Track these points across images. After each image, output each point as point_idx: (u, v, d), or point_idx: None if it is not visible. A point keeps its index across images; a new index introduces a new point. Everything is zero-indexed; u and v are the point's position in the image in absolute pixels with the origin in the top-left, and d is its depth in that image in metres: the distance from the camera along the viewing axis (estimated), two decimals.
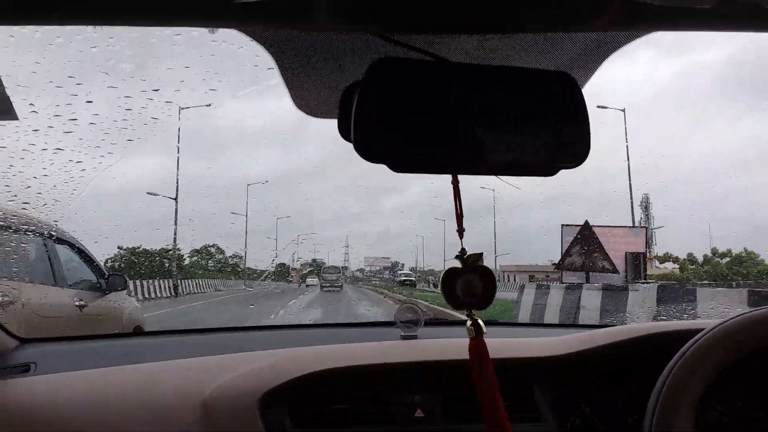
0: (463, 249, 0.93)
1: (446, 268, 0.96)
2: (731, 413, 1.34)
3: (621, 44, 0.96)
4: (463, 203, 0.94)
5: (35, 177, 1.87)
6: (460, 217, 0.94)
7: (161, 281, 28.09)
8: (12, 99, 1.75)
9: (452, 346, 1.43)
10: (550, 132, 0.90)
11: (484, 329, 0.95)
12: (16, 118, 1.78)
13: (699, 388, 0.91)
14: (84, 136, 2.00)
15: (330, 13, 0.66)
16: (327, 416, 1.31)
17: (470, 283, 0.93)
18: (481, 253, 0.93)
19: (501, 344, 1.52)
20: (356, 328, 2.24)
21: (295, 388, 1.31)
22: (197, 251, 60.26)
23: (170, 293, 27.54)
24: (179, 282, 29.85)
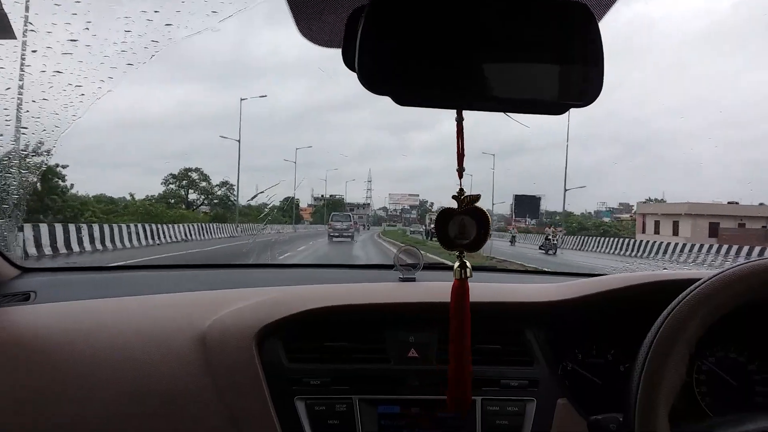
0: (461, 189, 0.95)
1: (442, 209, 0.98)
2: (723, 363, 1.39)
3: None
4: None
5: (34, 101, 1.87)
6: (461, 156, 0.94)
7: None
8: (9, 16, 1.73)
9: (449, 289, 1.49)
10: (561, 67, 0.89)
11: (470, 272, 0.99)
12: (14, 37, 1.77)
13: (694, 334, 0.94)
14: (84, 59, 1.98)
15: None
16: (322, 352, 1.37)
17: (464, 225, 0.95)
18: (479, 195, 0.95)
19: (497, 288, 1.57)
20: (356, 270, 2.29)
21: (292, 324, 1.37)
22: (174, 177, 49.50)
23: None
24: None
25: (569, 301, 1.44)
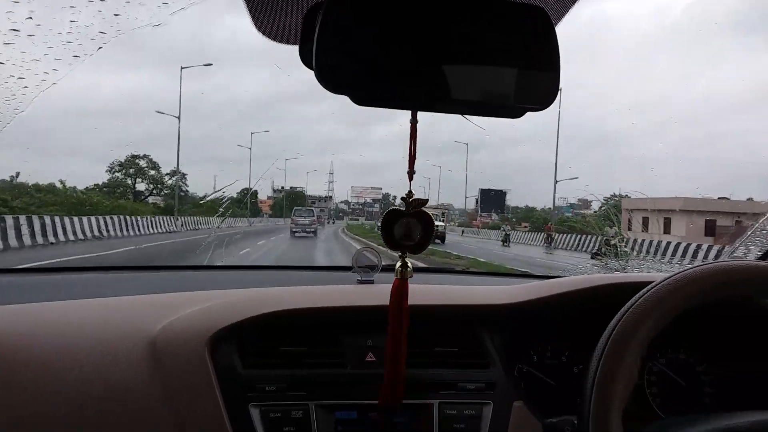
0: (409, 192, 0.98)
1: (389, 209, 1.00)
2: (674, 365, 1.43)
3: None
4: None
5: None
6: (412, 158, 0.96)
7: None
8: None
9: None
10: (518, 71, 0.90)
11: (411, 273, 1.04)
12: None
13: (647, 336, 0.96)
14: (26, 50, 1.90)
15: None
16: (277, 357, 1.35)
17: (409, 227, 0.99)
18: (426, 200, 0.98)
19: (452, 291, 1.58)
20: (313, 272, 2.27)
21: (246, 328, 1.35)
22: (121, 164, 44.54)
23: None
24: None
25: (524, 303, 1.46)
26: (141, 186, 46.40)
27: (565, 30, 0.95)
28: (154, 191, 46.48)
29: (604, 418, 0.93)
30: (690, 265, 1.03)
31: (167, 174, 46.17)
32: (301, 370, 1.34)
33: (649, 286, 1.01)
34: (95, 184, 41.07)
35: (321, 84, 0.84)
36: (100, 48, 2.11)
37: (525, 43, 0.89)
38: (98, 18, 2.11)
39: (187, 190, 46.65)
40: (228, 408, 1.23)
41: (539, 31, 0.89)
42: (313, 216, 32.65)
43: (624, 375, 0.95)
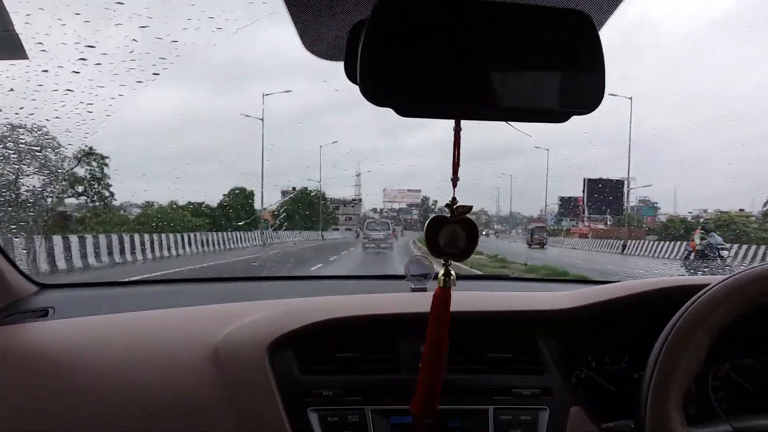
0: (453, 198, 0.98)
1: (432, 217, 1.00)
2: (739, 369, 1.40)
3: None
4: None
5: (47, 119, 1.92)
6: (456, 165, 0.97)
7: None
8: (21, 37, 1.78)
9: (460, 299, 1.52)
10: (562, 75, 0.90)
11: (455, 281, 1.03)
12: (27, 58, 1.81)
13: (704, 338, 0.95)
14: (93, 77, 2.04)
15: None
16: (334, 363, 1.38)
17: (454, 234, 0.98)
18: (471, 206, 0.98)
19: (508, 297, 1.58)
20: (367, 281, 2.31)
21: (303, 335, 1.39)
22: None
23: None
24: None
25: (580, 308, 1.45)
26: (31, 181, 12.03)
27: (609, 30, 0.96)
28: (48, 189, 12.88)
29: (661, 418, 0.92)
30: (750, 266, 1.01)
31: (75, 157, 21.42)
32: (357, 375, 1.37)
33: (705, 289, 0.99)
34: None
35: (366, 98, 0.86)
36: (158, 74, 2.23)
37: (569, 48, 0.90)
38: (158, 45, 2.22)
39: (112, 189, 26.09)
40: (288, 412, 1.28)
41: (583, 36, 0.89)
42: (389, 229, 29.05)
43: (681, 375, 0.93)
